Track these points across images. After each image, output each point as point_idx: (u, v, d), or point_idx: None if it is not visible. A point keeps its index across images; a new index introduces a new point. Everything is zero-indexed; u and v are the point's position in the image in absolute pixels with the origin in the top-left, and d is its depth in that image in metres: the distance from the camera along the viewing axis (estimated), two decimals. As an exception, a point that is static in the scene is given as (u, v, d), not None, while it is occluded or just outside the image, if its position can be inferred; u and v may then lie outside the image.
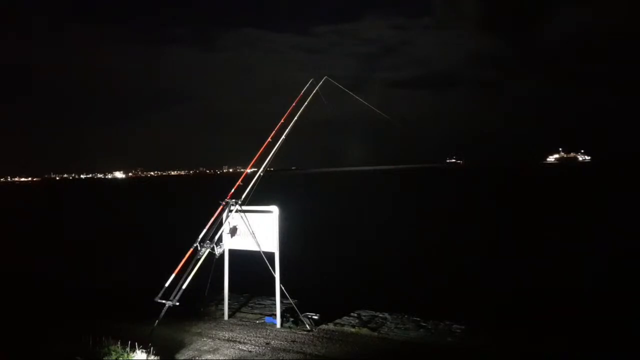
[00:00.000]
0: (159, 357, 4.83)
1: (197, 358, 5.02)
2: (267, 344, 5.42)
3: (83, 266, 15.03)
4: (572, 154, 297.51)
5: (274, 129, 6.53)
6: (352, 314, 6.64)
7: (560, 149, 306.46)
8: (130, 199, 72.98)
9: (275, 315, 6.20)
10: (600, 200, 36.93)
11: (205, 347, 5.32)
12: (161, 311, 5.38)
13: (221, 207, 6.16)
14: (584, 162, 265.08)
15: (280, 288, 6.05)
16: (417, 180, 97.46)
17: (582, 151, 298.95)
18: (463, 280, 12.69)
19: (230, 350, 5.23)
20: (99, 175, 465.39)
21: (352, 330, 5.96)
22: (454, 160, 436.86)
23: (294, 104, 6.68)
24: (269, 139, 6.48)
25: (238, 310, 6.96)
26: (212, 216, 6.06)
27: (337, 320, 6.28)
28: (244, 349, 5.28)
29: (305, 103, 6.68)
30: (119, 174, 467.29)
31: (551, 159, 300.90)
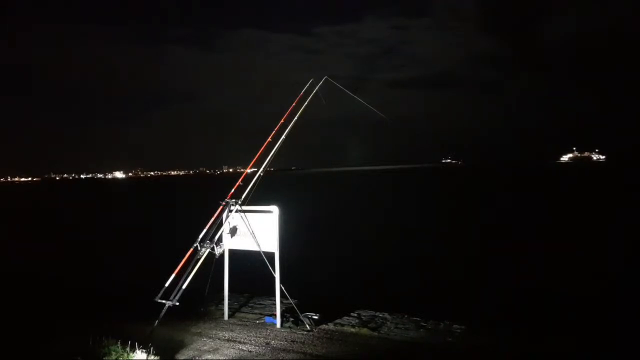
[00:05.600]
0: (159, 357, 4.83)
1: (197, 358, 5.02)
2: (267, 344, 5.42)
3: (83, 266, 15.03)
4: (586, 153, 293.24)
5: (274, 129, 6.53)
6: (352, 314, 6.64)
7: (574, 148, 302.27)
8: (130, 199, 72.99)
9: (275, 315, 6.20)
10: (604, 200, 36.91)
11: (205, 347, 5.32)
12: (161, 311, 5.37)
13: (221, 207, 6.15)
14: (598, 161, 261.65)
15: (280, 288, 6.05)
16: (417, 180, 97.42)
17: (597, 150, 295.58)
18: (463, 280, 12.69)
19: (230, 350, 5.23)
20: (99, 175, 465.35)
21: (352, 330, 5.96)
22: (449, 160, 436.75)
23: (294, 104, 6.68)
24: (269, 139, 6.48)
25: (238, 310, 6.96)
26: (212, 216, 6.05)
27: (337, 320, 6.28)
28: (244, 349, 5.28)
29: (305, 103, 6.68)
30: (119, 174, 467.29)
31: (565, 158, 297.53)
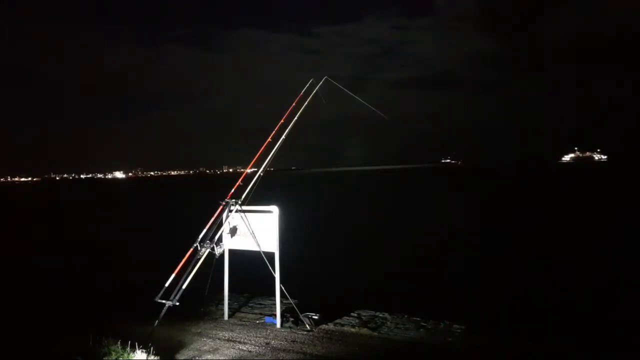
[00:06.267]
0: (159, 357, 4.83)
1: (197, 358, 5.02)
2: (267, 344, 5.42)
3: (83, 266, 15.03)
4: (587, 153, 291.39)
5: (274, 129, 6.53)
6: (352, 314, 6.64)
7: (576, 148, 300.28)
8: (130, 199, 73.01)
9: (275, 315, 6.20)
10: (604, 200, 36.89)
11: (205, 347, 5.32)
12: (161, 311, 5.38)
13: (221, 207, 6.15)
14: (600, 161, 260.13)
15: (280, 288, 6.05)
16: (417, 180, 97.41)
17: (599, 150, 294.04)
18: (463, 280, 12.69)
19: (230, 350, 5.23)
20: (99, 175, 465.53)
21: (352, 330, 5.96)
22: (449, 160, 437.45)
23: (294, 104, 6.68)
24: (269, 139, 6.48)
25: (238, 310, 6.96)
26: (212, 216, 6.05)
27: (337, 320, 6.28)
28: (244, 349, 5.28)
29: (305, 103, 6.68)
30: (119, 174, 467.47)
31: (566, 158, 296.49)
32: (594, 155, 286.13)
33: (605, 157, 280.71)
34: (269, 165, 6.37)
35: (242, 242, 6.32)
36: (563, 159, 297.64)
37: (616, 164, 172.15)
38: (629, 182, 57.85)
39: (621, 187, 51.10)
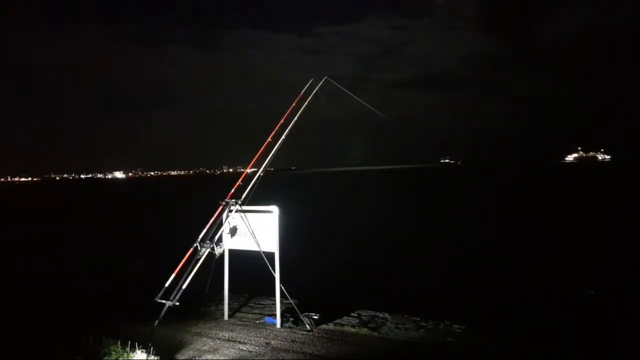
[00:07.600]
0: (159, 357, 4.83)
1: (197, 358, 5.02)
2: (267, 344, 5.43)
3: (83, 266, 15.03)
4: (591, 153, 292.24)
5: (274, 129, 6.53)
6: (352, 314, 6.64)
7: (579, 148, 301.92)
8: (131, 199, 73.01)
9: (275, 315, 6.20)
10: (604, 200, 36.90)
11: (205, 347, 5.32)
12: (161, 311, 5.38)
13: (221, 207, 6.16)
14: (603, 161, 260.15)
15: (280, 288, 6.05)
16: (417, 181, 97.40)
17: (602, 150, 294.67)
18: (463, 280, 12.68)
19: (230, 350, 5.23)
20: (99, 175, 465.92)
21: (352, 330, 5.96)
22: (448, 160, 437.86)
23: (294, 104, 6.68)
24: (269, 139, 6.48)
25: (238, 310, 6.96)
26: (212, 216, 6.05)
27: (337, 320, 6.28)
28: (244, 349, 5.28)
29: (305, 103, 6.69)
30: (119, 174, 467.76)
31: (570, 158, 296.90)
32: (598, 155, 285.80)
33: (609, 157, 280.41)
34: (269, 165, 6.38)
35: (242, 242, 6.32)
36: (566, 159, 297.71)
37: (620, 164, 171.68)
38: (630, 182, 57.84)
39: (622, 186, 51.09)
